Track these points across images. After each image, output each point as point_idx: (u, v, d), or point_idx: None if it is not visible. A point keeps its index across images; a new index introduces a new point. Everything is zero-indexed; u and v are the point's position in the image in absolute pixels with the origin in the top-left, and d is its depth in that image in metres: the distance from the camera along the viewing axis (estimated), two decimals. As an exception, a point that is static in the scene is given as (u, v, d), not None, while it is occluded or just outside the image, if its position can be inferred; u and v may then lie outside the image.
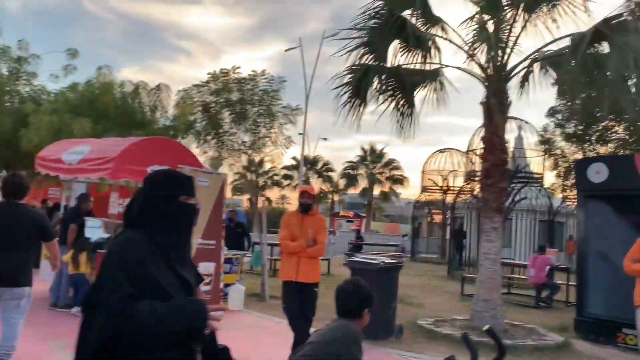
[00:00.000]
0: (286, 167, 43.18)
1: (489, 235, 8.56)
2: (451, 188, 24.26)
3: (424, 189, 24.91)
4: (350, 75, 9.36)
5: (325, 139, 43.41)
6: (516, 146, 17.41)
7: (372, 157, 43.31)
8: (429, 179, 24.69)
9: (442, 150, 24.70)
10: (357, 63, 8.97)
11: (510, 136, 16.97)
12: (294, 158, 40.87)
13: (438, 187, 24.52)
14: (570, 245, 22.15)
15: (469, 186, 17.91)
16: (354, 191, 45.36)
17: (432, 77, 9.76)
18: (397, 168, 43.48)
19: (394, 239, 32.79)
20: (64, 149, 9.02)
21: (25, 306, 4.71)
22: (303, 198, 5.82)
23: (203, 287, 8.60)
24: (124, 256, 1.96)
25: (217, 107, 10.74)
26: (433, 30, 9.11)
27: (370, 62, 8.73)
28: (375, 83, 9.40)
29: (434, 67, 9.62)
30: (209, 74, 11.04)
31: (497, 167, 8.68)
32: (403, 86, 9.62)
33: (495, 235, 8.55)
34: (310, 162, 42.73)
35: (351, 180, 43.50)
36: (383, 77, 9.39)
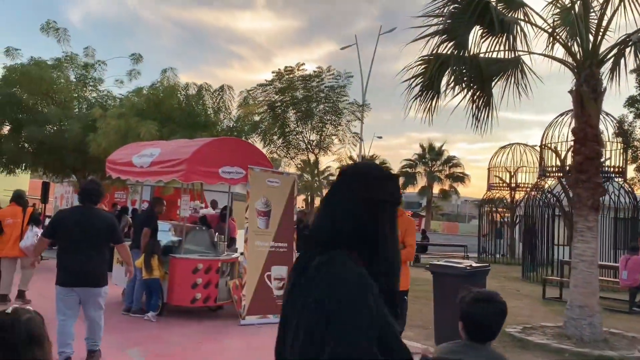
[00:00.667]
0: (341, 168, 42.67)
1: (583, 235, 7.84)
2: (520, 185, 23.20)
3: (490, 187, 23.89)
4: (422, 67, 8.88)
5: (380, 137, 42.58)
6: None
7: (431, 154, 42.29)
8: (496, 176, 23.68)
9: (509, 145, 23.63)
10: (432, 52, 8.44)
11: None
12: (350, 157, 40.45)
13: (506, 184, 23.47)
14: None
15: (543, 182, 16.92)
16: (412, 190, 44.41)
17: (513, 65, 9.11)
18: (457, 165, 42.31)
19: (455, 238, 31.78)
20: (134, 152, 8.92)
21: (103, 303, 5.09)
22: None
23: (276, 292, 8.30)
24: (362, 290, 1.45)
25: (282, 106, 10.42)
26: (515, 15, 8.47)
27: (449, 51, 8.15)
28: (450, 74, 8.86)
29: (514, 55, 8.98)
30: (273, 72, 10.77)
31: (592, 161, 7.94)
32: (480, 76, 9.02)
33: (591, 235, 7.82)
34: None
35: (409, 178, 42.59)
36: (459, 67, 8.82)
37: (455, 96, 9.08)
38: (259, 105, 10.87)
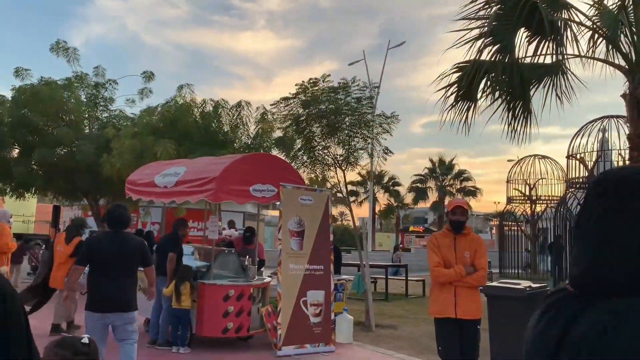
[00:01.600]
0: (351, 183, 42.11)
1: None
2: (540, 197, 22.60)
3: (510, 200, 23.28)
4: (457, 74, 8.38)
5: (391, 152, 42.05)
6: (602, 149, 15.76)
7: (442, 169, 41.69)
8: (515, 189, 23.11)
9: (528, 157, 23.06)
10: (472, 58, 7.94)
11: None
12: (358, 173, 39.84)
13: (526, 197, 22.88)
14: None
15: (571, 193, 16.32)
16: (423, 205, 43.75)
17: (554, 71, 8.58)
18: (468, 179, 41.66)
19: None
20: (156, 172, 8.39)
21: (136, 328, 5.00)
22: (455, 215, 4.78)
23: (313, 319, 7.68)
24: None
25: (308, 120, 9.88)
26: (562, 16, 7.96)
27: (493, 56, 7.64)
28: (487, 81, 8.35)
29: (562, 58, 8.46)
30: (297, 85, 10.24)
31: (651, 169, 7.35)
32: (520, 83, 8.50)
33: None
34: (377, 177, 41.54)
35: (420, 193, 41.95)
36: (497, 73, 8.30)
37: (490, 104, 8.59)
38: (282, 119, 10.33)
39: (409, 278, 14.92)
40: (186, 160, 8.75)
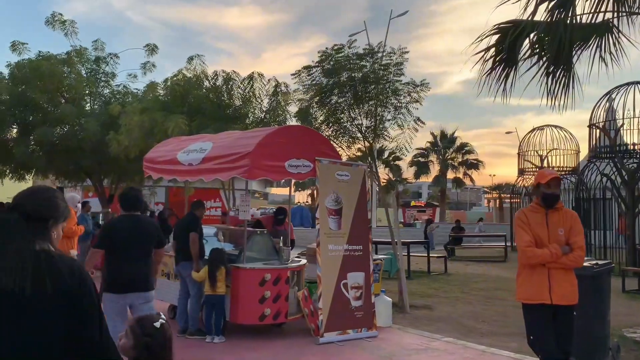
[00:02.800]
0: (350, 159, 41.41)
1: None
2: (553, 169, 22.07)
3: (522, 172, 22.77)
4: (497, 36, 7.75)
5: (423, 123, 41.28)
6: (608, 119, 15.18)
7: (444, 142, 41.09)
8: (527, 160, 22.57)
9: (540, 128, 22.49)
10: (526, 17, 7.30)
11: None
12: (358, 149, 39.10)
13: (537, 169, 22.34)
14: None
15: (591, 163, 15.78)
16: (426, 179, 43.26)
17: (602, 30, 7.94)
18: (470, 152, 41.08)
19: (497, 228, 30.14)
20: (177, 148, 7.74)
21: (153, 307, 4.96)
22: (550, 187, 4.19)
23: (354, 303, 7.15)
24: None
25: (332, 90, 9.21)
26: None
27: (553, 12, 6.98)
28: (529, 41, 7.73)
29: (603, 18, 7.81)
30: (319, 52, 9.54)
31: None
32: (562, 44, 7.86)
33: None
34: (377, 152, 40.92)
35: (422, 168, 41.34)
36: (539, 33, 7.66)
37: (530, 67, 7.98)
38: (305, 90, 9.65)
39: (430, 255, 14.43)
40: (210, 135, 8.09)
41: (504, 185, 65.23)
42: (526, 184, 22.48)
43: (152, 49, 15.02)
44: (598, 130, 15.61)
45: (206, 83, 12.16)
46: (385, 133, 9.75)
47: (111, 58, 15.23)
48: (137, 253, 4.92)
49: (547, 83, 8.15)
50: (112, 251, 4.91)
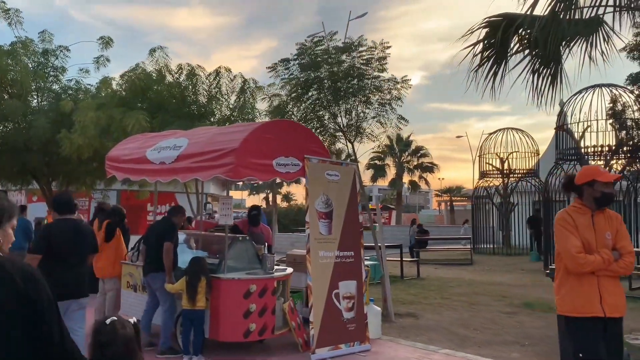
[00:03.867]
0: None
1: None
2: (513, 171, 22.21)
3: (483, 174, 22.79)
4: (485, 30, 7.40)
5: (406, 121, 40.93)
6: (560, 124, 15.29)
7: (400, 145, 41.08)
8: (488, 163, 22.63)
9: (500, 131, 22.59)
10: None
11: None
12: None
13: (498, 171, 22.45)
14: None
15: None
16: (383, 183, 43.14)
17: (591, 27, 7.69)
18: (425, 155, 41.28)
19: (452, 230, 30.25)
20: (145, 146, 6.93)
21: (85, 315, 5.03)
22: (608, 188, 3.73)
23: (346, 315, 6.56)
24: None
25: (311, 84, 8.62)
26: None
27: (555, 4, 6.62)
28: (516, 38, 7.41)
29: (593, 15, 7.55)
30: (297, 44, 8.93)
31: None
32: (550, 40, 7.57)
33: None
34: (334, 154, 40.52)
35: (378, 171, 41.20)
36: (530, 28, 7.34)
37: (517, 64, 7.65)
38: (281, 86, 9.02)
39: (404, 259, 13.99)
40: (184, 131, 7.31)
41: (455, 188, 66.54)
42: (488, 185, 22.50)
43: (106, 41, 13.90)
44: (563, 132, 15.64)
45: (169, 77, 11.29)
46: (368, 130, 9.22)
47: (61, 51, 14.05)
48: (74, 258, 4.87)
49: (532, 80, 7.85)
50: (49, 256, 4.77)
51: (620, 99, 14.77)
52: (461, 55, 7.39)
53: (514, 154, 22.17)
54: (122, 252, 7.62)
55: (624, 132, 14.50)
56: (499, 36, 7.21)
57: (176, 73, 11.28)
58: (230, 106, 11.87)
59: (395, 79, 9.09)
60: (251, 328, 6.07)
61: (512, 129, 22.61)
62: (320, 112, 8.83)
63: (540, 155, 22.53)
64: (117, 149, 7.49)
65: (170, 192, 18.57)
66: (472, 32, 7.49)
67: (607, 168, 13.95)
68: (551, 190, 15.48)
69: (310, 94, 8.85)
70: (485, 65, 7.58)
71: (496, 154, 22.52)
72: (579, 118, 14.73)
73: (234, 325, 6.03)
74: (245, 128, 6.15)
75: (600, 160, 14.76)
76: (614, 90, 14.45)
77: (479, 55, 7.50)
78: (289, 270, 6.88)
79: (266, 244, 7.72)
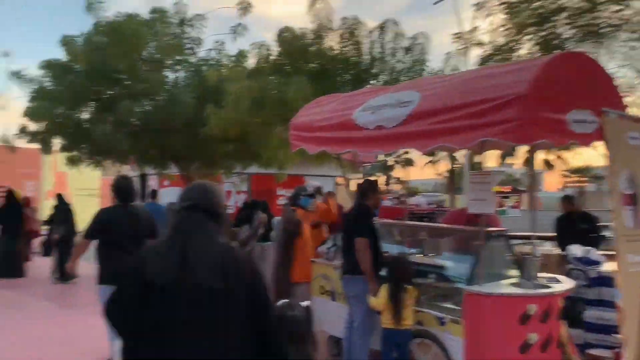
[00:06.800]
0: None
1: None
2: None
3: None
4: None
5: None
6: None
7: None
8: None
9: None
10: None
11: None
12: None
13: None
14: None
15: None
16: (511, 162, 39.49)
17: None
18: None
19: None
20: (350, 106, 5.06)
21: None
22: None
23: None
24: None
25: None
26: None
27: None
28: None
29: None
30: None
31: None
32: None
33: None
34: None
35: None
36: None
37: None
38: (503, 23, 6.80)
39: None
40: (405, 83, 5.38)
41: (584, 168, 60.38)
42: None
43: (245, 7, 12.41)
44: None
45: (330, 36, 9.45)
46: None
47: (197, 21, 12.75)
48: (133, 244, 4.67)
49: None
50: (105, 242, 4.87)
51: None
52: None
53: None
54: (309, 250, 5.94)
55: None
56: None
57: (344, 28, 9.36)
58: (404, 63, 9.76)
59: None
60: (531, 368, 4.04)
61: None
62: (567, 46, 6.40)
63: None
64: (306, 114, 5.67)
65: (299, 175, 17.01)
66: None
67: None
68: None
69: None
70: None
71: None
72: None
73: (508, 364, 4.03)
74: (534, 63, 4.01)
75: None
76: None
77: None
78: (569, 281, 4.72)
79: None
